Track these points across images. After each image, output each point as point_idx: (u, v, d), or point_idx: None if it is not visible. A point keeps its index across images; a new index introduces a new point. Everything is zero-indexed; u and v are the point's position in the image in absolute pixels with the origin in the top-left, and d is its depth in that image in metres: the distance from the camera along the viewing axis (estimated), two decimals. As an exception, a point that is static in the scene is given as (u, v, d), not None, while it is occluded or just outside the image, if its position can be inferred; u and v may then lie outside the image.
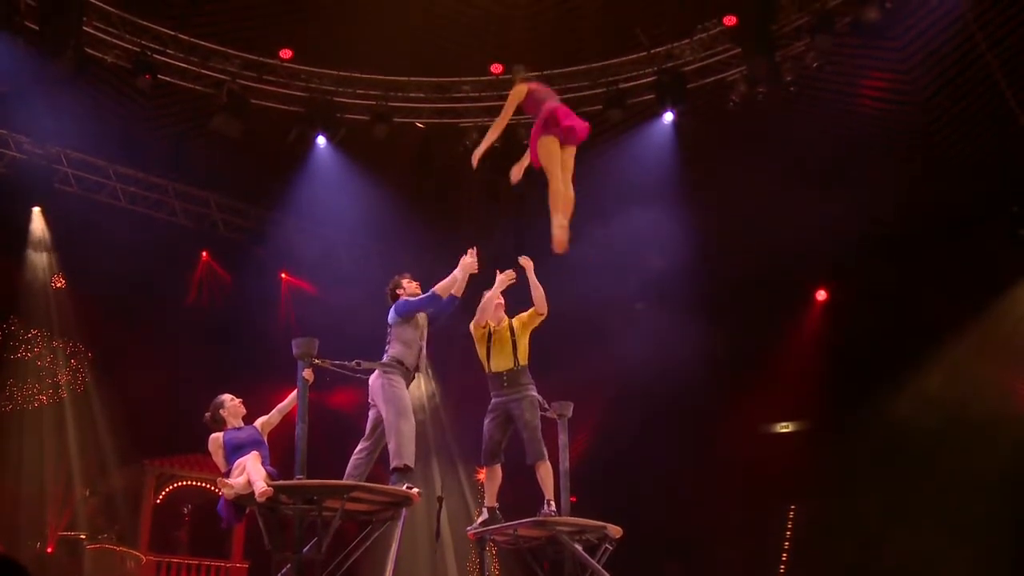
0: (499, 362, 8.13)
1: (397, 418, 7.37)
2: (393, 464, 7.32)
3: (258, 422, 7.62)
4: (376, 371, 7.58)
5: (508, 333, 8.17)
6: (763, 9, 13.37)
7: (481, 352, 8.29)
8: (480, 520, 8.29)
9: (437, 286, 7.81)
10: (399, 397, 7.46)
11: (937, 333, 15.58)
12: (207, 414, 7.57)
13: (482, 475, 13.51)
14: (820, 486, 16.79)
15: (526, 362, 8.12)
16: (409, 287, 8.02)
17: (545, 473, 7.91)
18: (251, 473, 6.91)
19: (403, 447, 7.30)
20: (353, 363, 7.51)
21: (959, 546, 14.60)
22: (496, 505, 8.20)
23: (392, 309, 7.82)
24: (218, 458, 7.43)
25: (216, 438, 7.43)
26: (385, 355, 7.65)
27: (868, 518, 15.94)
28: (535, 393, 8.08)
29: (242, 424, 7.52)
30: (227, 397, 7.60)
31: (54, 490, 15.66)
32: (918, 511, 15.27)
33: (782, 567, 17.49)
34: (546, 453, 7.91)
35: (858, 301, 16.69)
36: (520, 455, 8.03)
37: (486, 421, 8.17)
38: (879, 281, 16.10)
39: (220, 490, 7.23)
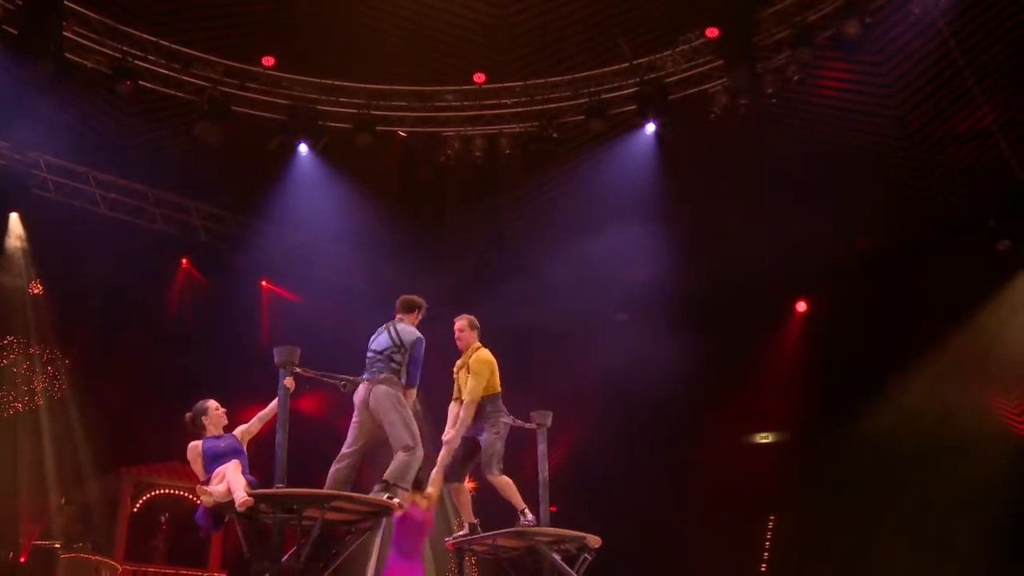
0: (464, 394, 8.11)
1: (416, 446, 7.31)
2: (387, 477, 7.26)
3: (238, 431, 7.57)
4: (383, 385, 7.42)
5: (465, 371, 8.07)
6: (745, 22, 13.47)
7: (455, 379, 8.29)
8: (461, 533, 8.28)
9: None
10: (415, 424, 7.44)
11: (916, 346, 15.68)
12: (188, 415, 7.52)
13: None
14: (799, 497, 16.84)
15: (489, 392, 7.97)
16: (415, 319, 7.86)
17: (502, 486, 7.88)
18: (231, 482, 6.86)
19: (408, 472, 7.27)
20: (354, 378, 7.47)
21: (938, 560, 14.68)
22: (476, 521, 8.18)
23: (415, 340, 7.60)
24: (196, 466, 7.38)
25: (195, 446, 7.37)
26: (393, 368, 7.49)
27: (847, 530, 15.99)
28: (501, 418, 8.00)
29: (222, 433, 7.47)
30: (212, 404, 7.55)
31: (29, 499, 15.48)
32: (897, 524, 15.35)
33: (761, 577, 17.54)
34: (497, 470, 7.84)
35: (838, 314, 16.78)
36: (506, 469, 8.02)
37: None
38: (859, 294, 16.20)
39: (199, 498, 7.17)
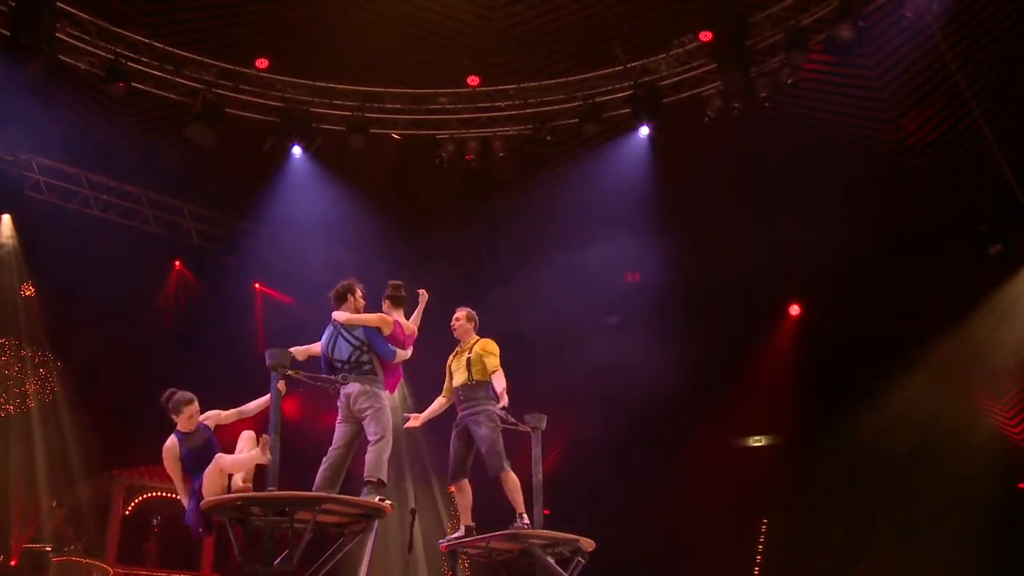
0: (457, 377, 8.18)
1: (384, 435, 7.35)
2: (367, 476, 7.28)
3: (210, 414, 7.44)
4: (358, 383, 7.45)
5: (468, 352, 8.16)
6: (738, 25, 13.49)
7: (447, 372, 8.34)
8: (455, 535, 8.28)
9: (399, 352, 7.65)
10: (388, 415, 7.47)
11: (908, 349, 15.72)
12: (164, 397, 7.34)
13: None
14: (792, 500, 16.87)
15: (482, 377, 8.04)
16: (359, 300, 7.80)
17: (511, 485, 7.90)
18: (242, 455, 6.93)
19: (382, 463, 7.31)
20: (339, 377, 7.46)
21: (929, 561, 14.72)
22: (472, 524, 8.17)
23: (371, 331, 7.59)
24: (174, 469, 7.25)
25: (173, 448, 7.24)
26: (365, 369, 7.50)
27: (839, 532, 16.03)
28: (492, 408, 8.03)
29: (194, 427, 7.32)
30: (192, 408, 7.30)
31: (20, 501, 15.43)
32: (888, 526, 15.39)
33: (754, 580, 17.57)
34: (507, 465, 7.90)
35: (831, 317, 16.81)
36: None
37: (451, 438, 8.19)
38: (851, 297, 16.23)
39: (180, 498, 7.12)
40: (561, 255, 16.10)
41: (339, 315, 7.63)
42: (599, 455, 17.29)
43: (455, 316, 8.32)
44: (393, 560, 15.60)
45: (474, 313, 8.38)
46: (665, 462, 17.00)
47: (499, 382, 7.93)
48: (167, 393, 7.39)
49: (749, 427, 18.11)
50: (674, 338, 15.86)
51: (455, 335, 8.32)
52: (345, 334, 7.56)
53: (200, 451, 7.20)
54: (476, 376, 8.04)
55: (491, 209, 16.70)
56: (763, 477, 17.01)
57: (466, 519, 8.19)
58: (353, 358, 7.51)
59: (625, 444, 17.13)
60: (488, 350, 8.09)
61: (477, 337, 8.25)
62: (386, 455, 7.34)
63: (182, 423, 7.33)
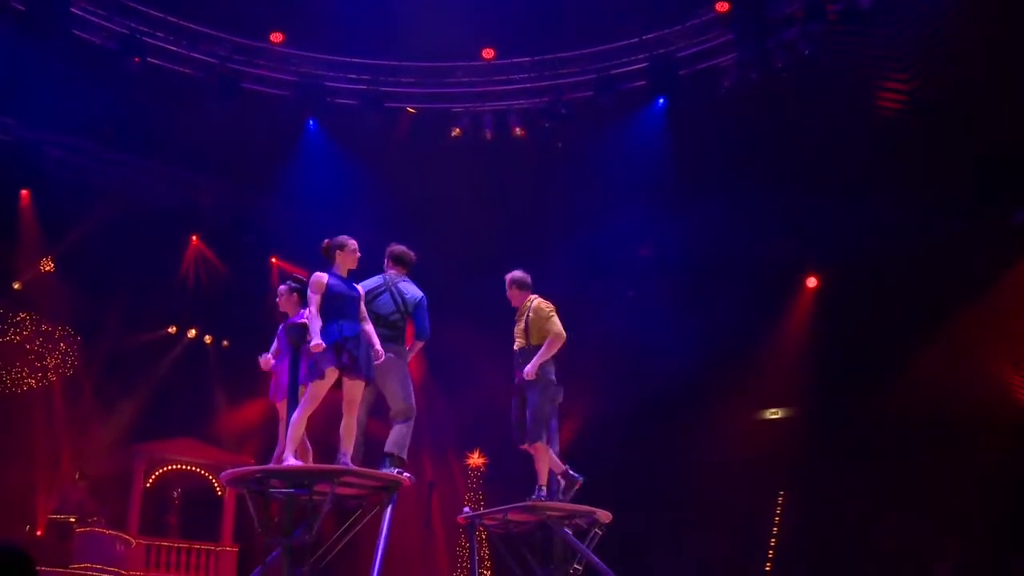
0: (516, 342, 8.14)
1: (413, 416, 7.48)
2: (390, 450, 7.35)
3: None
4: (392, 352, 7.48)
5: (523, 318, 8.10)
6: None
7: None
8: (474, 511, 8.26)
9: None
10: (412, 388, 7.62)
11: (927, 322, 15.61)
12: (326, 241, 7.30)
13: (472, 460, 13.56)
14: (809, 473, 16.85)
15: (540, 342, 7.93)
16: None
17: (541, 456, 7.87)
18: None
19: (406, 443, 7.42)
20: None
21: (946, 536, 14.69)
22: (543, 484, 7.91)
23: (419, 301, 7.75)
24: (315, 298, 6.98)
25: (322, 279, 7.05)
26: (399, 337, 7.64)
27: (856, 505, 16.01)
28: (549, 377, 7.96)
29: (344, 275, 7.22)
30: (353, 244, 7.27)
31: (43, 473, 15.63)
32: (906, 500, 15.34)
33: (771, 552, 17.59)
34: (544, 436, 7.82)
35: (848, 289, 16.71)
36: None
37: (512, 403, 8.11)
38: (870, 269, 16.11)
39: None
40: (577, 228, 16.05)
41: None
42: (615, 428, 17.31)
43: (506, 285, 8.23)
44: (411, 532, 15.72)
45: (520, 275, 8.27)
46: (681, 435, 16.99)
47: (547, 350, 7.83)
48: (325, 242, 7.33)
49: (766, 400, 18.06)
50: (690, 311, 15.81)
51: (512, 304, 8.21)
52: (395, 293, 7.72)
53: (343, 290, 7.07)
54: (534, 341, 7.97)
55: (506, 182, 16.66)
56: (780, 450, 16.98)
57: (542, 479, 7.94)
58: (392, 319, 7.62)
59: (641, 417, 17.14)
60: (541, 314, 8.02)
61: (533, 297, 8.18)
62: (410, 434, 7.47)
63: (342, 264, 7.20)
